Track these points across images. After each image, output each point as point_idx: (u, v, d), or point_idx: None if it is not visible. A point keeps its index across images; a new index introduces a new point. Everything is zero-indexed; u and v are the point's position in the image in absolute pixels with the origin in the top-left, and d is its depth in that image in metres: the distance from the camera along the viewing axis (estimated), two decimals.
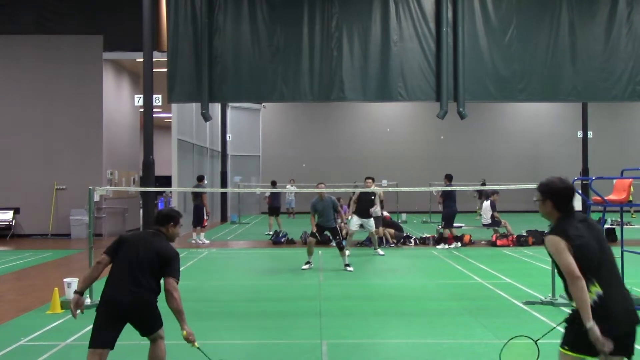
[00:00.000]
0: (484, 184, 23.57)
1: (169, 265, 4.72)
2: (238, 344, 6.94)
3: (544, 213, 3.89)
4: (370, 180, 14.18)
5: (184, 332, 4.69)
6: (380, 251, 14.25)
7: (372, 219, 13.89)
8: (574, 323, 3.62)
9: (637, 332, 3.64)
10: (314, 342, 6.76)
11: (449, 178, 16.22)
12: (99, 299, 4.79)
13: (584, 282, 3.53)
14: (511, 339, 4.18)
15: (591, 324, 3.43)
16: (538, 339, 4.12)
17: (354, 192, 14.58)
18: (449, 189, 14.68)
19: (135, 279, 4.66)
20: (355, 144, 31.96)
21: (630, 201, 9.49)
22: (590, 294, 3.56)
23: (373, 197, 13.95)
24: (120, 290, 4.66)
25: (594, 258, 3.65)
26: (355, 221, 13.82)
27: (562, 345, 3.68)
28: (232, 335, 7.31)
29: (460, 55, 13.90)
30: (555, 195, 3.81)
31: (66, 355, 6.33)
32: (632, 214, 26.62)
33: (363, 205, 13.84)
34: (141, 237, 4.96)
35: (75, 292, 4.84)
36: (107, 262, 4.84)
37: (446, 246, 15.61)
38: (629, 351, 3.56)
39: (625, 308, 3.58)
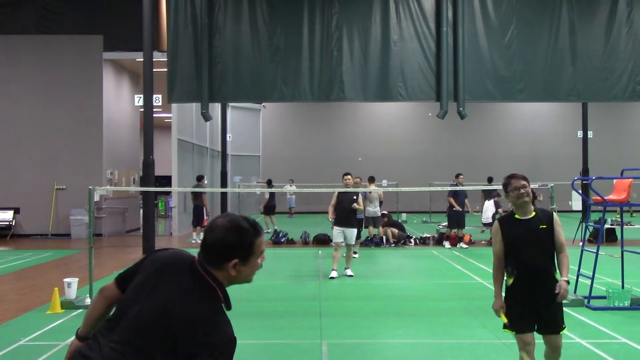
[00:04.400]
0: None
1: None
2: (238, 343, 6.92)
3: (526, 196, 4.50)
4: (349, 177, 11.41)
5: None
6: (349, 271, 11.28)
7: (354, 229, 11.19)
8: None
9: None
10: (314, 342, 6.76)
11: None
12: None
13: None
14: None
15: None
16: None
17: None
18: (458, 188, 14.66)
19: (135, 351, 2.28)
20: (355, 144, 31.95)
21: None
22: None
23: (356, 198, 11.15)
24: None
25: None
26: (336, 231, 11.11)
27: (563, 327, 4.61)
28: None
29: (460, 55, 13.90)
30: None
31: None
32: (632, 214, 26.62)
33: (343, 209, 11.10)
34: (170, 273, 2.38)
35: (77, 335, 2.63)
36: (115, 296, 2.54)
37: (465, 245, 15.89)
38: None
39: None
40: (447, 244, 15.82)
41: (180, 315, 2.24)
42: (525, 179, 4.52)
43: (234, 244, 2.31)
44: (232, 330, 2.34)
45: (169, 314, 2.25)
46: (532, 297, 4.46)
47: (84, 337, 2.57)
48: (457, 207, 15.69)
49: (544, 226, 4.48)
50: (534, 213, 4.51)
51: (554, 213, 4.67)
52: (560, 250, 4.56)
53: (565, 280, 4.44)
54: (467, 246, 15.79)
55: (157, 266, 2.39)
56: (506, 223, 4.58)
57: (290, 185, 26.60)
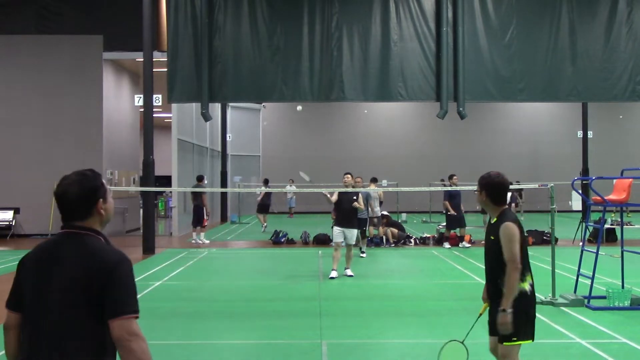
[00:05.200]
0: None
1: (113, 290, 2.41)
2: (238, 344, 6.94)
3: (480, 202, 4.33)
4: (349, 176, 11.30)
5: None
6: (349, 271, 11.19)
7: (354, 229, 11.15)
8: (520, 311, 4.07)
9: None
10: (314, 342, 6.76)
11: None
12: None
13: (519, 273, 4.06)
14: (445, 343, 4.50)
15: (511, 310, 3.99)
16: (464, 340, 4.48)
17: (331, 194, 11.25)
18: (451, 188, 14.69)
19: (54, 341, 2.42)
20: (356, 144, 31.94)
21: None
22: (525, 282, 4.11)
23: (356, 198, 11.08)
24: None
25: (526, 249, 4.21)
26: (337, 231, 11.05)
27: (511, 339, 4.09)
28: (232, 335, 7.31)
29: (460, 55, 13.90)
30: (488, 187, 4.21)
31: None
32: (628, 214, 26.60)
33: (344, 209, 11.02)
34: (50, 252, 2.54)
35: None
36: (19, 321, 2.55)
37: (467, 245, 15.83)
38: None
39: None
40: (446, 245, 15.80)
41: (83, 270, 2.43)
42: (480, 183, 4.25)
43: (93, 187, 2.57)
44: (123, 252, 2.54)
45: (77, 276, 2.42)
46: (490, 302, 4.35)
47: None
48: (452, 212, 15.65)
49: (492, 237, 4.21)
50: (495, 219, 4.26)
51: (504, 223, 4.14)
52: (507, 266, 4.09)
53: (502, 310, 4.02)
54: (469, 245, 15.74)
55: (35, 261, 2.53)
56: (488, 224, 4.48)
57: (290, 186, 26.62)
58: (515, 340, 4.12)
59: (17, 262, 2.60)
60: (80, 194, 2.53)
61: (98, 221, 2.59)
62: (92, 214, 2.56)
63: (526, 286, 4.12)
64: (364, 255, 14.00)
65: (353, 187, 11.59)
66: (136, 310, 2.43)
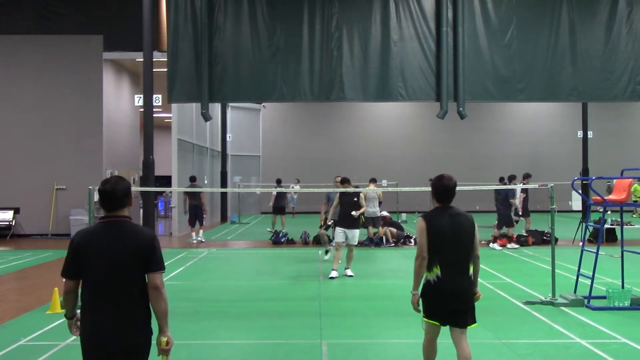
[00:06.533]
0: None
1: (153, 255, 3.61)
2: (238, 344, 6.94)
3: (431, 200, 5.12)
4: (338, 178, 11.67)
5: (165, 338, 3.82)
6: (349, 271, 11.26)
7: (356, 230, 11.24)
8: (424, 296, 4.81)
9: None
10: (314, 342, 6.77)
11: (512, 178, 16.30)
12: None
13: (425, 262, 4.73)
14: None
15: (415, 292, 4.84)
16: None
17: (328, 196, 11.39)
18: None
19: (117, 294, 3.56)
20: (356, 144, 31.94)
21: (636, 201, 9.49)
22: (432, 273, 4.72)
23: (356, 199, 11.24)
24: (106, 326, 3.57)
25: (443, 245, 4.69)
26: (339, 232, 11.18)
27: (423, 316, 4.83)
28: (232, 335, 7.31)
29: (460, 55, 13.90)
30: (433, 188, 4.98)
31: (66, 355, 6.33)
32: (634, 214, 26.60)
33: (346, 210, 11.19)
34: (107, 232, 3.62)
35: (68, 317, 3.84)
36: (76, 287, 3.67)
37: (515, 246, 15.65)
38: (460, 324, 4.72)
39: (457, 293, 4.67)
40: (496, 246, 15.53)
41: (134, 244, 3.57)
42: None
43: (129, 185, 3.73)
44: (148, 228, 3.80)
45: (131, 249, 3.55)
46: None
47: (72, 315, 3.82)
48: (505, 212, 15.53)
49: None
50: None
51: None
52: None
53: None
54: (517, 246, 15.53)
55: (94, 240, 3.59)
56: None
57: (296, 185, 26.55)
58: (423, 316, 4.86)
59: (70, 242, 3.61)
60: (124, 190, 3.65)
61: (128, 210, 3.70)
62: (127, 204, 3.68)
63: (431, 276, 4.73)
64: (327, 258, 13.24)
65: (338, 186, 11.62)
66: (164, 268, 3.66)
